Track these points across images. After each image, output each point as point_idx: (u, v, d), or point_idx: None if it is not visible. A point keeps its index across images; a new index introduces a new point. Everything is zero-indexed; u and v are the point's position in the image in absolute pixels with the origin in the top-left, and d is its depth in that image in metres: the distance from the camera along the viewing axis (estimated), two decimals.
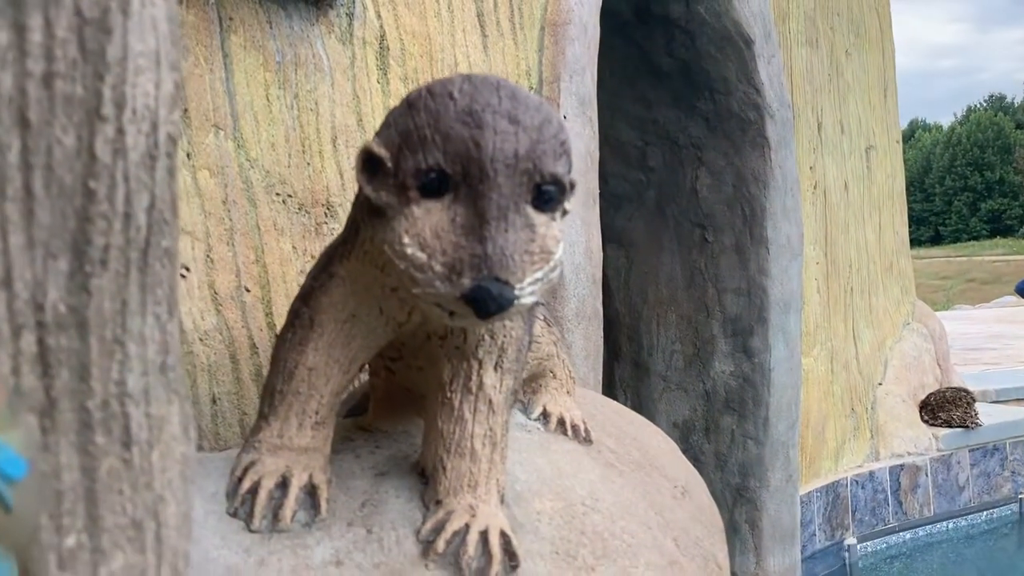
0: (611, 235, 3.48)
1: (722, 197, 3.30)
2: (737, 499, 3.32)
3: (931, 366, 5.26)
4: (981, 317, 14.05)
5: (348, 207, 1.04)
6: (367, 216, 0.91)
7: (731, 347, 3.34)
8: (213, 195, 1.41)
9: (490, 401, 1.01)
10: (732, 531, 3.27)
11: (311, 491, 0.97)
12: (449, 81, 0.85)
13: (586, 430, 1.32)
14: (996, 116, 57.32)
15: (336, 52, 1.65)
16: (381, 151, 0.86)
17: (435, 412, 1.03)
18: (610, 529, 1.10)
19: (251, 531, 0.93)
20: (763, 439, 3.28)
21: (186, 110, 1.38)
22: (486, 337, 1.01)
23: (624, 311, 3.57)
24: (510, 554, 0.95)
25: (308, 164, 1.57)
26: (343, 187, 1.61)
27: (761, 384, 3.28)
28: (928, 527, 4.72)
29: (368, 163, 0.87)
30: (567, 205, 0.89)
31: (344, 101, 1.65)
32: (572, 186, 0.89)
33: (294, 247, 1.52)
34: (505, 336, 1.02)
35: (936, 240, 53.09)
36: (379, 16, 1.74)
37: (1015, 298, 18.54)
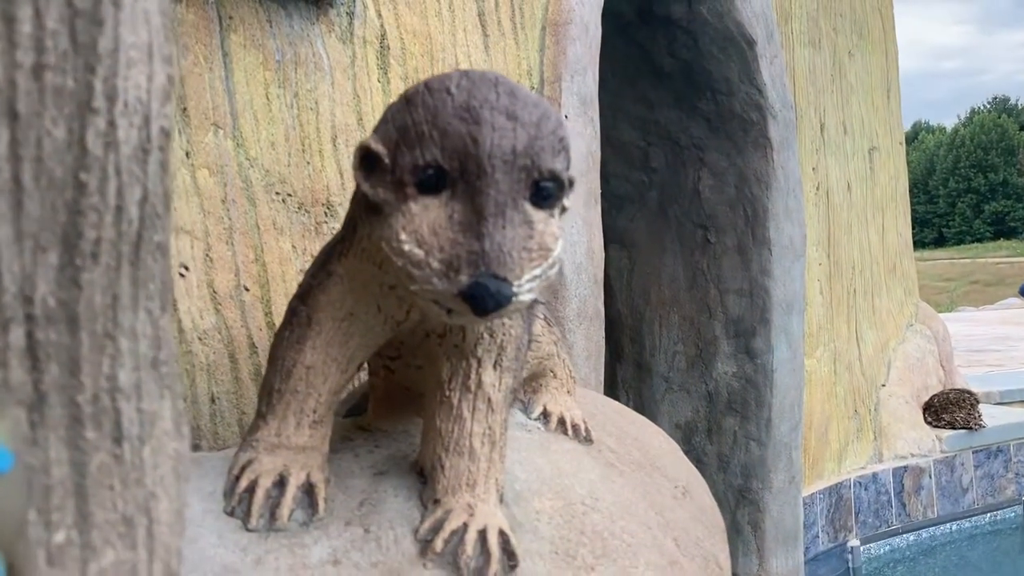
0: (613, 236, 3.48)
1: (724, 198, 3.29)
2: (740, 501, 3.31)
3: (934, 368, 5.25)
4: (985, 319, 14.02)
5: (348, 206, 1.03)
6: (365, 213, 0.90)
7: (733, 348, 3.33)
8: (212, 194, 1.40)
9: (489, 400, 1.01)
10: (735, 533, 3.26)
11: (309, 490, 0.96)
12: (447, 77, 0.85)
13: (586, 430, 1.31)
14: (1000, 118, 57.26)
15: (336, 51, 1.64)
16: (378, 147, 0.85)
17: (434, 411, 1.02)
18: (610, 529, 1.09)
19: (248, 530, 0.92)
20: (766, 440, 3.27)
21: (185, 108, 1.38)
22: (485, 335, 1.01)
23: (626, 312, 3.56)
24: (509, 553, 0.94)
25: (308, 163, 1.57)
26: (343, 186, 1.61)
27: (764, 385, 3.27)
28: (931, 529, 4.70)
29: (365, 159, 0.87)
30: (566, 202, 0.88)
31: (344, 100, 1.65)
32: (571, 183, 0.88)
33: (294, 246, 1.52)
34: (504, 334, 1.02)
35: (940, 242, 53.04)
36: (379, 15, 1.74)
37: (1019, 300, 18.51)
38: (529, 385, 1.35)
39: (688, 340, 3.44)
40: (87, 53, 0.51)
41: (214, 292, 1.38)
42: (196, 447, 1.32)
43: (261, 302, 1.45)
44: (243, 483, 0.95)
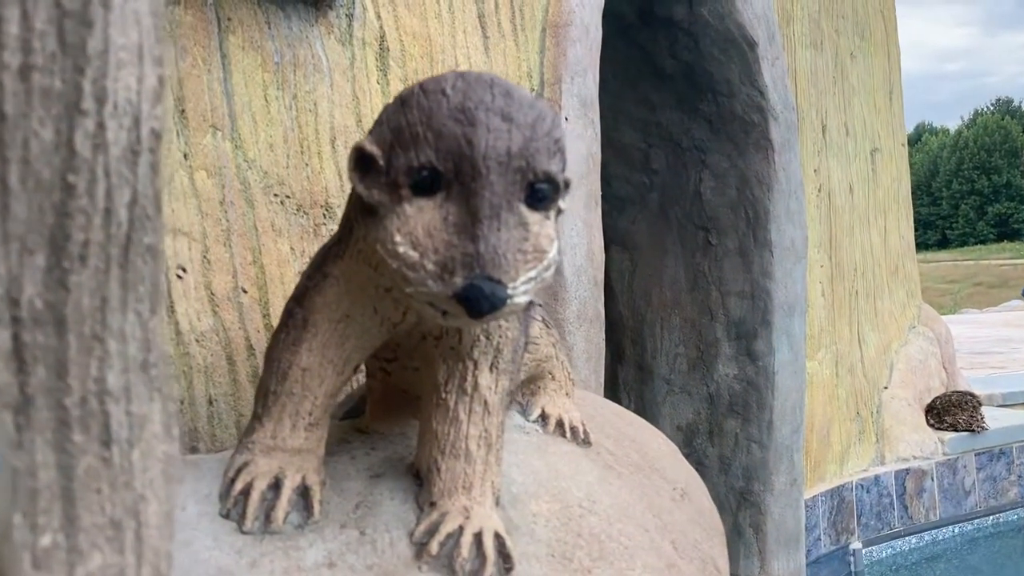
0: (615, 238, 3.48)
1: (726, 200, 3.29)
2: (741, 503, 3.30)
3: (937, 370, 5.24)
4: (988, 321, 13.99)
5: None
6: (360, 215, 0.90)
7: (735, 350, 3.33)
8: (210, 195, 1.40)
9: (485, 402, 1.00)
10: (736, 535, 3.25)
11: (304, 493, 0.96)
12: (442, 78, 0.85)
13: (585, 432, 1.31)
14: (1003, 120, 57.21)
15: (335, 53, 1.64)
16: (373, 149, 0.85)
17: (430, 413, 1.02)
18: (607, 531, 1.09)
19: (243, 532, 0.92)
20: (767, 443, 3.26)
21: (183, 110, 1.38)
22: (481, 338, 1.00)
23: (628, 314, 3.56)
24: (504, 556, 0.94)
25: (307, 165, 1.56)
26: (342, 188, 1.61)
27: (765, 387, 3.27)
28: (934, 532, 4.69)
29: (360, 161, 0.87)
30: (562, 204, 0.88)
31: (343, 102, 1.65)
32: (567, 184, 0.88)
33: (292, 248, 1.51)
34: (500, 337, 1.02)
35: (943, 244, 52.98)
36: (379, 17, 1.74)
37: (1022, 302, 18.48)
38: (527, 387, 1.35)
39: (689, 342, 3.44)
40: (76, 54, 0.50)
41: (212, 294, 1.38)
42: (194, 449, 1.32)
43: (259, 304, 1.44)
44: (238, 485, 0.95)
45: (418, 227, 0.80)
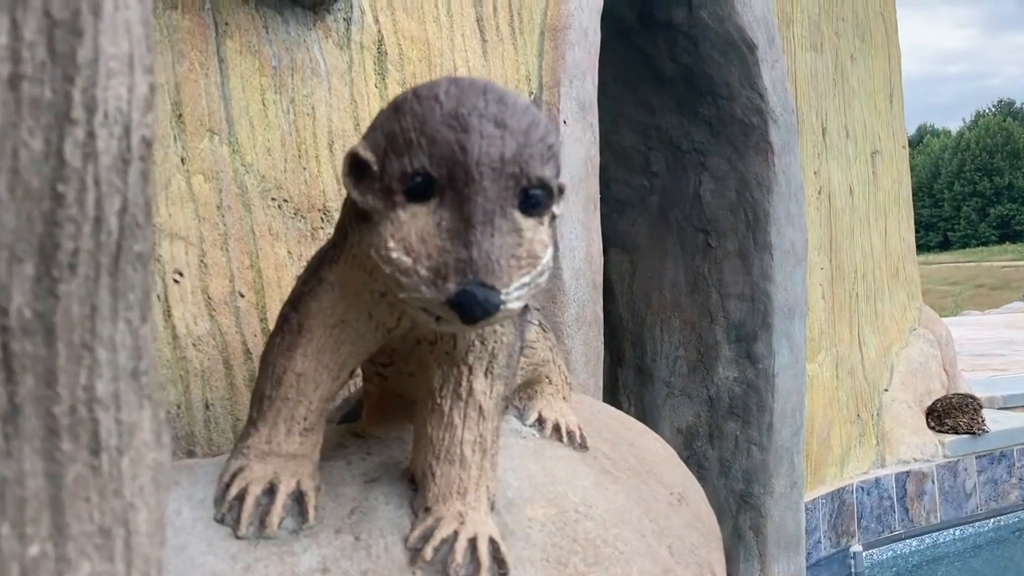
0: (615, 240, 3.48)
1: (726, 202, 3.29)
2: (741, 506, 3.30)
3: (938, 372, 5.23)
4: (990, 323, 13.98)
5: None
6: (354, 220, 0.90)
7: (735, 353, 3.33)
8: (208, 200, 1.40)
9: (480, 407, 1.00)
10: (736, 538, 3.25)
11: (299, 498, 0.96)
12: (436, 84, 0.85)
13: (582, 436, 1.31)
14: (1005, 121, 57.18)
15: (333, 57, 1.64)
16: (367, 154, 0.85)
17: (425, 418, 1.02)
18: (603, 536, 1.09)
19: (238, 538, 0.92)
20: (767, 445, 3.26)
21: (181, 115, 1.38)
22: (476, 343, 1.00)
23: (628, 316, 3.56)
24: (499, 561, 0.94)
25: (304, 169, 1.56)
26: (339, 192, 1.61)
27: (765, 390, 3.26)
28: (934, 534, 4.68)
29: (354, 166, 0.87)
30: (556, 209, 0.88)
31: (341, 106, 1.65)
32: (561, 190, 0.88)
33: (289, 252, 1.52)
34: (496, 342, 1.02)
35: (945, 245, 52.94)
36: (377, 21, 1.74)
37: None
38: (524, 391, 1.35)
39: (689, 345, 3.43)
40: (66, 64, 0.50)
41: (209, 298, 1.38)
42: (190, 453, 1.32)
43: (256, 308, 1.45)
44: (233, 490, 0.95)
45: (411, 233, 0.80)
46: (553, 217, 0.88)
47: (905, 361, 5.02)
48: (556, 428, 1.30)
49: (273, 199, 1.51)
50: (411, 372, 1.07)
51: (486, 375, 1.01)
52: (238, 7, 1.47)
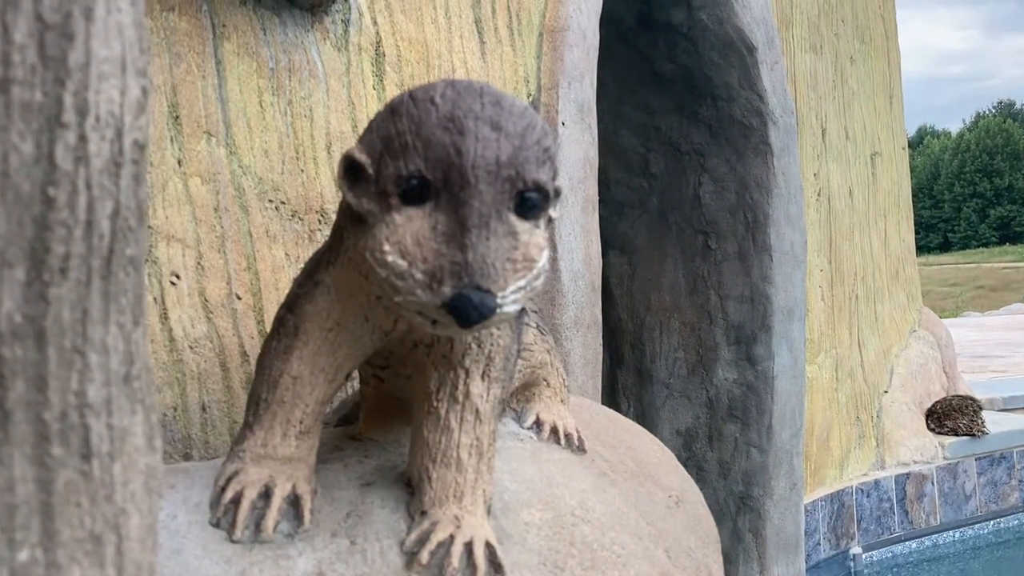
0: (614, 242, 3.48)
1: (725, 204, 3.29)
2: (741, 508, 3.30)
3: (937, 374, 5.23)
4: (990, 324, 13.97)
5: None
6: (350, 223, 0.90)
7: (734, 355, 3.32)
8: (205, 202, 1.40)
9: (476, 410, 1.00)
10: (736, 540, 3.25)
11: (294, 501, 0.96)
12: (432, 87, 0.85)
13: (579, 439, 1.31)
14: (1005, 122, 57.15)
15: (331, 59, 1.64)
16: (362, 157, 0.85)
17: (421, 421, 1.01)
18: (600, 540, 1.09)
19: (233, 541, 0.92)
20: (767, 447, 3.26)
21: (178, 117, 1.38)
22: (473, 346, 1.00)
23: (627, 318, 3.56)
24: (495, 565, 0.94)
25: (302, 171, 1.56)
26: (337, 194, 1.60)
27: (765, 392, 3.26)
28: (934, 536, 4.68)
29: (350, 169, 0.87)
30: (552, 212, 0.88)
31: (339, 108, 1.65)
32: (557, 193, 0.88)
33: (287, 254, 1.51)
34: (492, 345, 1.01)
35: (945, 247, 52.91)
36: (375, 23, 1.74)
37: None
38: (522, 394, 1.34)
39: (689, 346, 3.43)
40: (57, 67, 0.50)
41: (206, 300, 1.37)
42: (187, 456, 1.32)
43: (253, 310, 1.44)
44: (228, 494, 0.95)
45: (407, 236, 0.80)
46: (550, 220, 0.88)
47: (905, 363, 5.02)
48: (554, 431, 1.30)
49: (270, 201, 1.50)
50: (408, 375, 1.06)
51: (483, 378, 1.01)
52: (235, 9, 1.47)
